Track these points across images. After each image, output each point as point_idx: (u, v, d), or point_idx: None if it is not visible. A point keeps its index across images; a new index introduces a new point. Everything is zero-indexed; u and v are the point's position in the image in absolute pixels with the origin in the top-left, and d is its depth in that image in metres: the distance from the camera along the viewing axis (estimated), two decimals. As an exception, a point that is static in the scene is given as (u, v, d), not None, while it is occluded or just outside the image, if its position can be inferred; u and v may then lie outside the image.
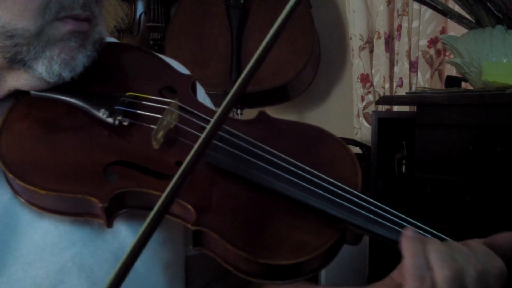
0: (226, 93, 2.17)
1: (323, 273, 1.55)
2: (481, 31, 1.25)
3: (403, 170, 1.49)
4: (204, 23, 2.16)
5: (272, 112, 2.81)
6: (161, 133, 0.61)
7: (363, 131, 2.04)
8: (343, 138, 2.23)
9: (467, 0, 1.25)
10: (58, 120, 0.64)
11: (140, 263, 0.63)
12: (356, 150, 2.03)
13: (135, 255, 0.47)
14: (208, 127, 0.51)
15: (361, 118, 2.05)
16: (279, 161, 0.59)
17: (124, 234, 0.63)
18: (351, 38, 2.10)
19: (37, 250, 0.60)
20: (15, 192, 0.59)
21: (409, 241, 0.53)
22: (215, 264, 0.61)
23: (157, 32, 2.34)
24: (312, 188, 0.57)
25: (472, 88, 1.33)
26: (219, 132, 0.61)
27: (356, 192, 0.58)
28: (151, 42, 2.32)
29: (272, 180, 0.58)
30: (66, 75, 0.63)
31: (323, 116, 2.39)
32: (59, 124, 0.64)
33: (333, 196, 0.56)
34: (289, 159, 0.60)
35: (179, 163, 0.59)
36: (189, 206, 0.56)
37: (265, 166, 0.59)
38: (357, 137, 2.05)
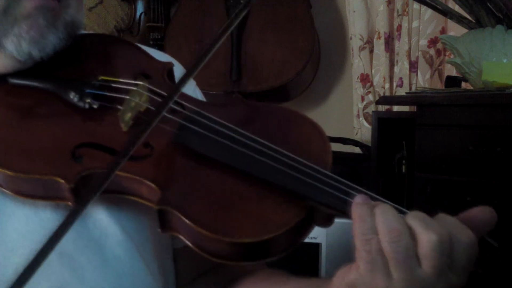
0: (227, 93, 2.16)
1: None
2: (481, 31, 1.25)
3: (403, 170, 1.49)
4: (204, 23, 2.16)
5: (272, 112, 2.78)
6: (129, 115, 0.61)
7: (363, 131, 2.04)
8: (343, 138, 2.21)
9: (467, 0, 1.25)
10: (31, 105, 0.65)
11: (122, 252, 0.64)
12: (356, 150, 2.03)
13: (70, 222, 0.49)
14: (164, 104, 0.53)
15: (361, 118, 2.05)
16: (242, 139, 0.59)
17: (105, 222, 0.63)
18: (351, 38, 2.10)
19: (19, 237, 0.61)
20: None
21: (357, 206, 0.52)
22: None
23: (157, 32, 2.34)
24: (275, 165, 0.57)
25: (472, 88, 1.33)
26: (186, 112, 0.62)
27: (322, 170, 0.57)
28: (151, 42, 2.32)
29: (236, 159, 0.58)
30: (36, 53, 0.63)
31: (323, 116, 2.39)
32: (31, 110, 0.65)
33: (297, 173, 0.56)
34: (253, 137, 0.60)
35: (147, 145, 0.60)
36: (154, 186, 0.56)
37: (229, 144, 0.59)
38: (357, 137, 2.05)
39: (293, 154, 0.58)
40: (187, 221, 0.53)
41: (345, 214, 0.55)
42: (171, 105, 0.61)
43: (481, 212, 0.55)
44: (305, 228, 0.57)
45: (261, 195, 0.56)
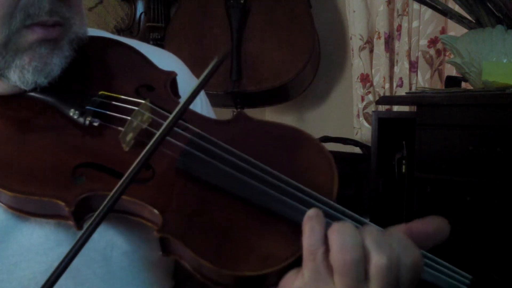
0: (227, 93, 2.15)
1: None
2: (481, 31, 1.25)
3: (403, 170, 1.49)
4: (204, 23, 2.16)
5: (272, 112, 2.80)
6: (130, 135, 0.60)
7: (363, 131, 2.04)
8: (343, 138, 2.21)
9: (467, 0, 1.25)
10: (31, 118, 0.63)
11: (128, 263, 0.63)
12: (356, 150, 2.03)
13: (77, 250, 0.48)
14: (167, 122, 0.52)
15: (361, 118, 2.05)
16: (249, 167, 0.58)
17: (111, 233, 0.63)
18: (351, 38, 2.11)
19: (23, 251, 0.60)
20: None
21: (309, 219, 0.52)
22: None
23: (157, 32, 2.34)
24: (281, 196, 0.55)
25: (472, 88, 1.33)
26: (189, 136, 0.60)
27: (327, 201, 0.56)
28: (151, 42, 2.32)
29: (240, 188, 0.56)
30: (42, 81, 0.62)
31: (323, 116, 2.39)
32: (31, 123, 0.63)
33: (302, 204, 0.54)
34: (260, 164, 0.58)
35: (148, 167, 0.58)
36: (156, 212, 0.55)
37: (234, 173, 0.57)
38: (357, 137, 2.05)
39: (298, 181, 0.57)
40: (189, 251, 0.53)
41: None
42: (175, 128, 0.59)
43: (429, 224, 0.56)
44: None
45: (265, 226, 0.55)
